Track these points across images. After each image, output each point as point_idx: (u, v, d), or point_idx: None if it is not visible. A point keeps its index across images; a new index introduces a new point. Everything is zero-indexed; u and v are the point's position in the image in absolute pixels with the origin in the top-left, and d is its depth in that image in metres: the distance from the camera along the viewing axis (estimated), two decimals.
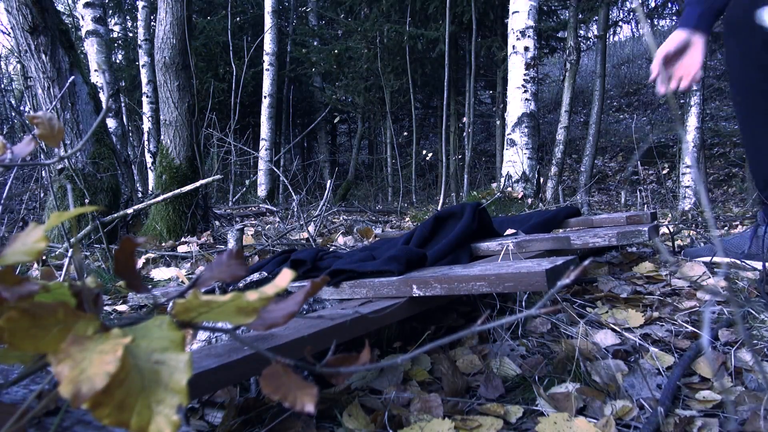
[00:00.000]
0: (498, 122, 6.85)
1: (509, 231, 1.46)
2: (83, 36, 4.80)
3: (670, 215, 3.14)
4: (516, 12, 3.59)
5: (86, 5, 4.64)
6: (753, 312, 1.00)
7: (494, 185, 3.79)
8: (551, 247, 1.19)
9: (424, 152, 8.00)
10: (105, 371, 0.28)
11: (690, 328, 0.97)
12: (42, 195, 3.38)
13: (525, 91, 3.73)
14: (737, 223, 2.55)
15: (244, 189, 5.54)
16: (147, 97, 6.43)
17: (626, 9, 9.57)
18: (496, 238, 1.32)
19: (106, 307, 1.32)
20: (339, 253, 1.21)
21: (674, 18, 7.72)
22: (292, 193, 2.41)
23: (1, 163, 0.63)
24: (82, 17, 4.73)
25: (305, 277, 1.08)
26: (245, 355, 0.57)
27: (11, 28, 2.33)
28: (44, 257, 1.88)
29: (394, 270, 0.90)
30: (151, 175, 5.94)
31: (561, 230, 1.50)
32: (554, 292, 0.33)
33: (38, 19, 2.28)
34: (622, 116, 10.51)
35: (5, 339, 0.31)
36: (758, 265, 1.23)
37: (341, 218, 3.64)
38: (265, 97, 6.79)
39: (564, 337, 0.94)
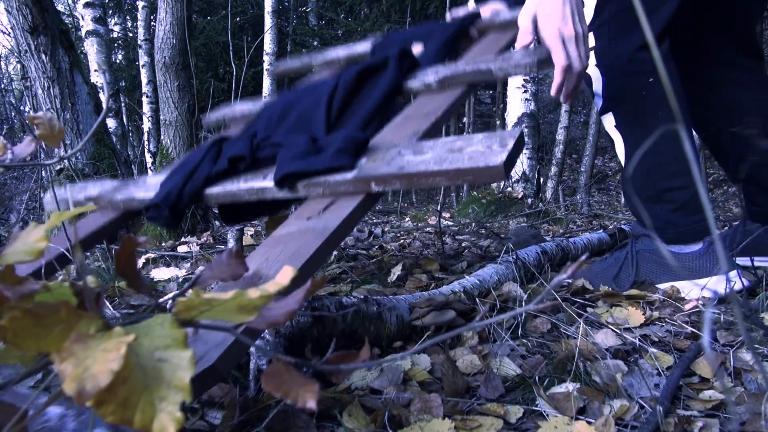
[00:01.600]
0: (498, 122, 6.86)
1: (417, 49, 1.45)
2: (83, 36, 4.80)
3: None
4: None
5: (86, 5, 4.65)
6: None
7: (494, 185, 3.79)
8: (473, 80, 1.20)
9: None
10: (109, 369, 0.28)
11: (690, 329, 0.97)
12: (42, 195, 3.38)
13: (525, 91, 3.73)
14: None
15: None
16: (147, 97, 6.43)
17: None
18: (417, 74, 1.30)
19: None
20: (275, 139, 1.11)
21: None
22: None
23: (1, 164, 0.63)
24: (82, 17, 4.74)
25: (247, 171, 1.06)
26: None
27: (11, 28, 2.33)
28: None
29: (346, 165, 0.90)
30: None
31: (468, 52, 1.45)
32: (551, 288, 0.33)
33: (38, 19, 2.28)
34: None
35: (9, 339, 0.31)
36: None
37: None
38: (265, 97, 6.80)
39: (564, 337, 0.94)
